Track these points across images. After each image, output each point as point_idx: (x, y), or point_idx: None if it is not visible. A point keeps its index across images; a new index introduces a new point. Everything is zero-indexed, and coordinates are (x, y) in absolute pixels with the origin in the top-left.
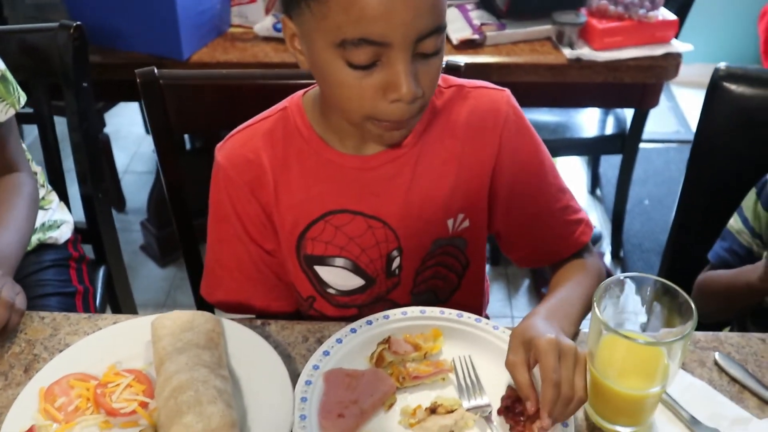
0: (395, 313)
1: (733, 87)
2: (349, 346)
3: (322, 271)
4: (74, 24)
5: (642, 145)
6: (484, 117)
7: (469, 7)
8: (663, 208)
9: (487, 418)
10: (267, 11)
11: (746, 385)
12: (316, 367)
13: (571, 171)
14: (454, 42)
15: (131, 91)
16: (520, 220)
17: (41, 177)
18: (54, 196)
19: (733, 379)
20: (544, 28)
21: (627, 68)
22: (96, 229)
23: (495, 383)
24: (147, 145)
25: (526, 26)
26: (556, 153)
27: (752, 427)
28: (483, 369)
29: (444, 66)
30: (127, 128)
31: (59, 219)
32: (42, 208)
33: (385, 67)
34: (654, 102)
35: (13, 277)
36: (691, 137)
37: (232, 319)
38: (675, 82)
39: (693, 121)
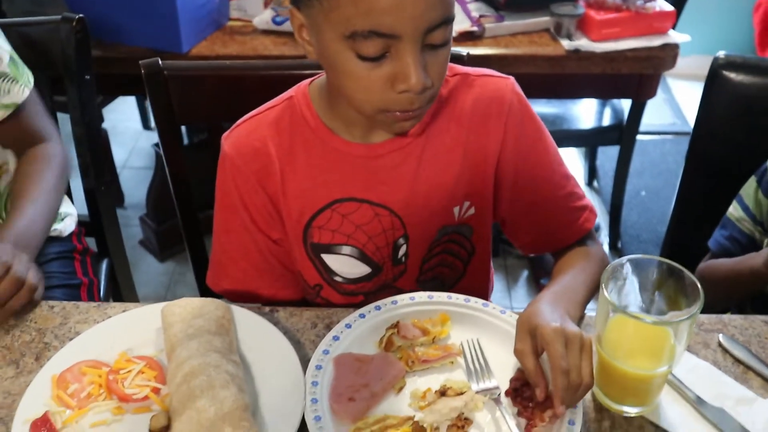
0: (403, 298)
1: (732, 75)
2: (358, 331)
3: (329, 260)
4: (77, 17)
5: (639, 137)
6: (489, 105)
7: None
8: (660, 199)
9: (496, 400)
10: (266, 4)
11: (750, 365)
12: (326, 352)
13: (569, 163)
14: (453, 34)
15: (130, 86)
16: (525, 206)
17: None
18: None
19: (738, 360)
20: (543, 20)
21: (625, 59)
22: (99, 222)
23: (503, 366)
24: (144, 140)
25: (524, 18)
26: None
27: (757, 406)
28: (491, 352)
29: None
30: (124, 124)
31: (64, 211)
32: None
33: (394, 59)
34: (651, 93)
35: (37, 252)
36: (687, 129)
37: (241, 306)
38: (671, 74)
39: (689, 113)
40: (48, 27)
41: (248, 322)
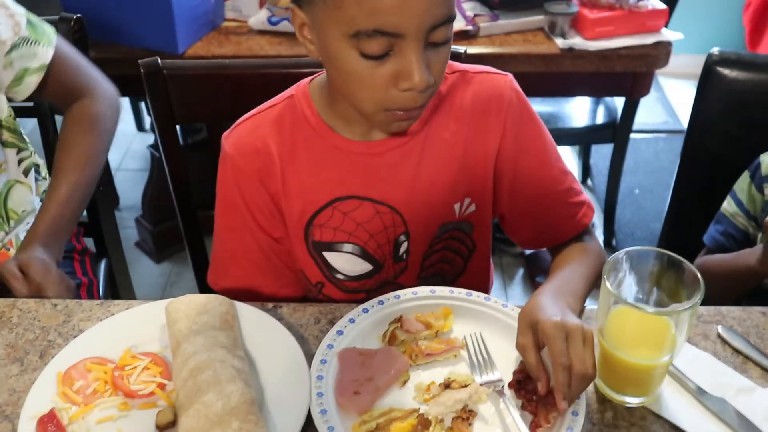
0: (406, 293)
1: (726, 72)
2: (361, 326)
3: (331, 257)
4: (74, 16)
5: (631, 135)
6: (488, 101)
7: None
8: (653, 197)
9: (500, 392)
10: (261, 4)
11: (749, 356)
12: (330, 347)
13: None
14: None
15: (125, 87)
16: (524, 202)
17: (43, 170)
18: None
19: (737, 351)
20: (537, 19)
21: (618, 57)
22: (97, 222)
23: (506, 359)
24: (138, 142)
25: (518, 17)
26: None
27: (757, 395)
28: (493, 346)
29: None
30: (118, 126)
31: None
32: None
33: (397, 57)
34: (645, 90)
35: (66, 238)
36: (679, 127)
37: (245, 303)
38: (663, 73)
39: (681, 112)
40: None
41: (252, 318)
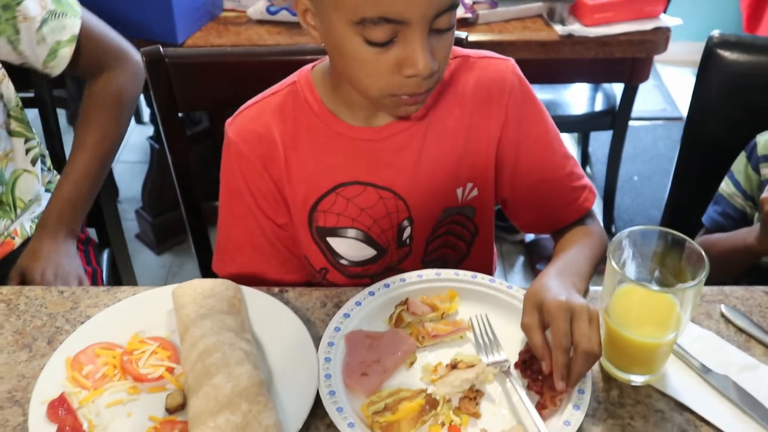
0: (411, 276)
1: (726, 54)
2: (368, 309)
3: (335, 243)
4: None
5: (630, 123)
6: (490, 87)
7: None
8: (652, 184)
9: (506, 372)
10: None
11: (752, 334)
12: (337, 329)
13: None
14: None
15: None
16: (526, 186)
17: (47, 160)
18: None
19: (740, 330)
20: (536, 5)
21: (618, 43)
22: (99, 212)
23: (511, 340)
24: (137, 134)
25: (517, 4)
26: None
27: (760, 372)
28: (499, 327)
29: None
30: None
31: None
32: (48, 191)
33: (402, 44)
34: (644, 76)
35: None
36: (678, 114)
37: (251, 287)
38: (660, 60)
39: (679, 99)
40: None
41: (258, 302)
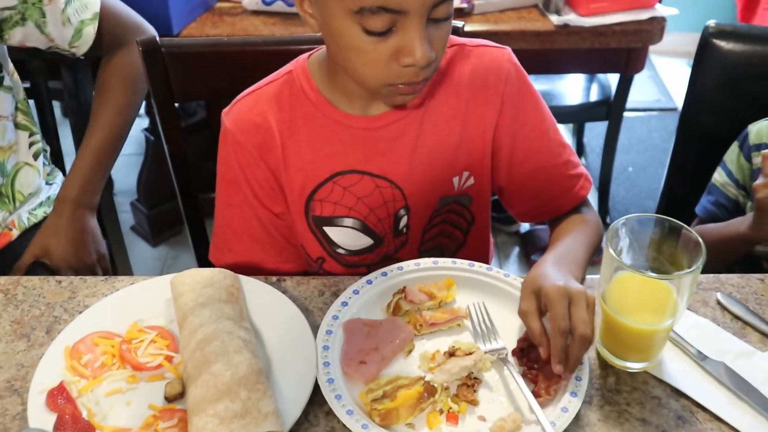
0: (409, 264)
1: (722, 44)
2: (365, 297)
3: (331, 232)
4: None
5: (625, 113)
6: (487, 75)
7: None
8: (647, 175)
9: (504, 360)
10: None
11: (748, 321)
12: (335, 318)
13: None
14: None
15: None
16: (522, 175)
17: (48, 156)
18: (58, 173)
19: (736, 317)
20: None
21: (613, 33)
22: None
23: (508, 328)
24: (133, 126)
25: None
26: None
27: (756, 359)
28: (496, 315)
29: None
30: None
31: None
32: (47, 183)
33: (400, 33)
34: (639, 66)
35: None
36: (672, 105)
37: (249, 276)
38: (655, 51)
39: (674, 90)
40: None
41: (256, 291)
